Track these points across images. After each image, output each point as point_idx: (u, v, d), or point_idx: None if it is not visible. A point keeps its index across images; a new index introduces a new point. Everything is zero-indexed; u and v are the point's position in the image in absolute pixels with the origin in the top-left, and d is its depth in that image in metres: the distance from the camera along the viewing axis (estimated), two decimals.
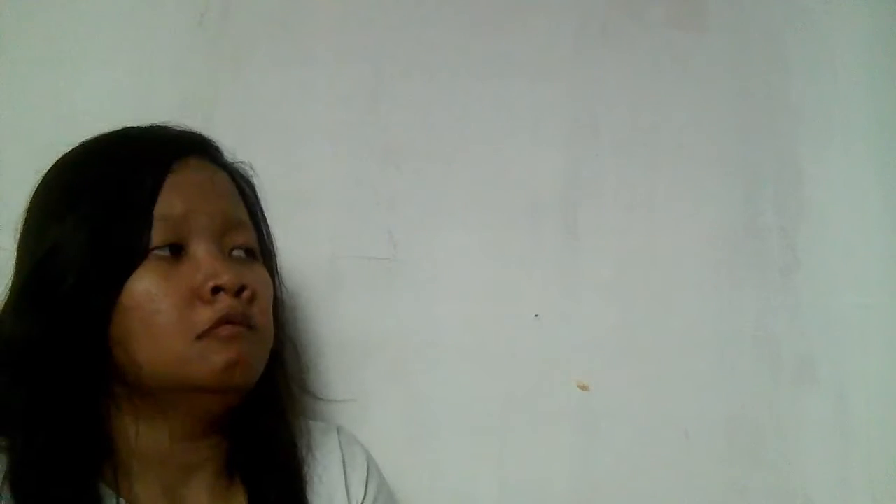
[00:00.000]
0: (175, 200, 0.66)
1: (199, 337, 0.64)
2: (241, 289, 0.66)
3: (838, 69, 1.11)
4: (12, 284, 0.68)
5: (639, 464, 0.98)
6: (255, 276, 0.69)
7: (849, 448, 1.01)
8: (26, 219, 0.70)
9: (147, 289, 0.64)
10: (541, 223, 1.02)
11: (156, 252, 0.65)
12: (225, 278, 0.65)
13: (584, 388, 0.99)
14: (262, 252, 0.74)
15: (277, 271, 0.78)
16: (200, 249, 0.66)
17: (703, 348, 1.02)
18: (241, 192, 0.74)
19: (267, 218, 0.78)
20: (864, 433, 1.02)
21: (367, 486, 0.77)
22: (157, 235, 0.65)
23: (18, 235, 0.70)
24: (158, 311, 0.63)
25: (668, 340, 1.01)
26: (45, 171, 0.71)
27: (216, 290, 0.65)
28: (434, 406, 0.96)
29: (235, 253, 0.69)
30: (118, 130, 0.71)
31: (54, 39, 0.97)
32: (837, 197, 1.08)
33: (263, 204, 0.78)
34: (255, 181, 0.78)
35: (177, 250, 0.66)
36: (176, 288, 0.64)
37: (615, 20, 1.09)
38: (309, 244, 0.96)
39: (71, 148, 0.71)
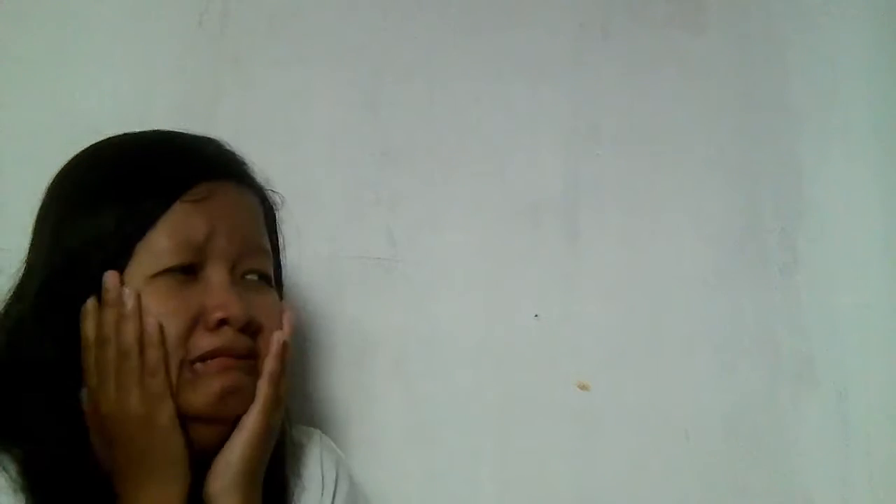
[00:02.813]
0: (199, 223, 0.65)
1: (193, 363, 0.64)
2: (248, 324, 0.66)
3: (838, 69, 1.11)
4: (24, 289, 0.67)
5: (639, 464, 0.98)
6: (266, 304, 0.68)
7: (849, 448, 1.01)
8: (46, 213, 0.69)
9: (155, 307, 0.63)
10: (541, 223, 1.03)
11: (169, 271, 0.64)
12: (233, 312, 0.64)
13: (584, 388, 0.99)
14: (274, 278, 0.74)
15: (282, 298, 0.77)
16: (215, 274, 0.66)
17: (703, 348, 1.02)
18: (266, 218, 0.74)
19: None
20: (864, 433, 1.02)
21: (333, 496, 0.76)
22: (175, 256, 0.64)
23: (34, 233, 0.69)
24: (156, 331, 0.63)
25: (668, 340, 1.02)
26: (72, 162, 0.70)
27: (222, 322, 0.65)
28: (434, 406, 0.96)
29: (249, 277, 0.68)
30: (162, 135, 0.71)
31: (54, 39, 0.97)
32: (837, 197, 1.08)
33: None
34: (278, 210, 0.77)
35: (191, 270, 0.65)
36: (185, 308, 0.64)
37: (615, 20, 1.09)
38: (309, 244, 0.96)
39: (102, 139, 0.71)
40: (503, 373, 0.98)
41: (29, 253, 0.69)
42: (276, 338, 0.66)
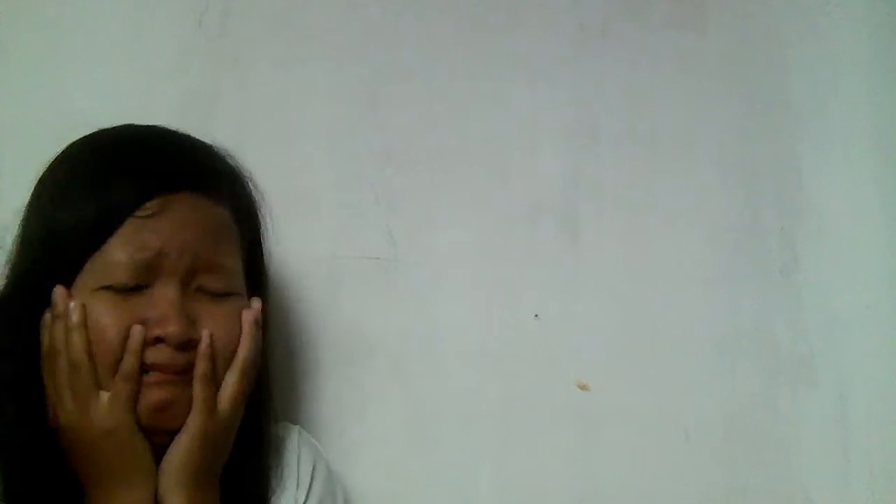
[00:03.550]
0: (149, 240, 0.65)
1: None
2: (187, 343, 0.66)
3: (838, 69, 1.11)
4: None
5: (639, 464, 0.98)
6: (219, 315, 0.68)
7: (849, 448, 1.01)
8: (23, 216, 0.70)
9: (97, 318, 0.64)
10: (541, 223, 1.02)
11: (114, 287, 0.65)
12: (169, 329, 0.65)
13: (584, 388, 0.99)
14: (254, 283, 0.73)
15: (268, 299, 0.77)
16: (161, 289, 0.66)
17: (703, 348, 1.02)
18: (239, 226, 0.72)
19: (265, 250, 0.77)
20: (864, 433, 1.02)
21: (308, 492, 0.77)
22: (124, 273, 0.65)
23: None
24: (102, 340, 0.64)
25: (668, 340, 1.01)
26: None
27: (158, 339, 0.65)
28: (434, 406, 0.96)
29: (204, 289, 0.68)
30: (123, 141, 0.71)
31: (54, 39, 0.96)
32: (837, 197, 1.08)
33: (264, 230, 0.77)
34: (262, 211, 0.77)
35: (138, 286, 0.65)
36: (127, 321, 0.64)
37: (615, 20, 1.09)
38: (309, 244, 0.96)
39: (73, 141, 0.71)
40: (503, 373, 0.98)
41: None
42: (203, 337, 0.66)
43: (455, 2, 1.06)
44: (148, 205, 0.65)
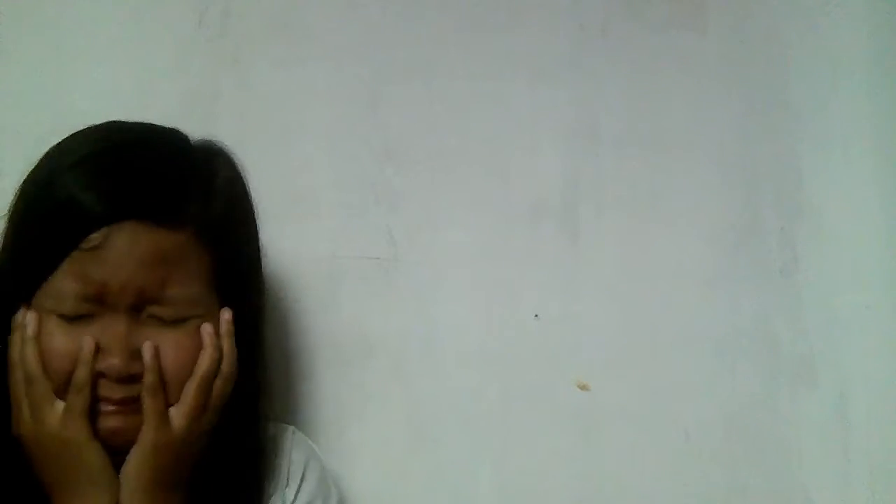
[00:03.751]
0: (93, 272, 0.64)
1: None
2: (129, 377, 0.65)
3: (838, 69, 1.11)
4: None
5: (639, 464, 0.98)
6: (170, 341, 0.67)
7: (849, 448, 1.01)
8: None
9: (48, 337, 0.65)
10: (541, 223, 1.02)
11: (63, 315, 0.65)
12: (110, 362, 0.65)
13: (584, 388, 0.99)
14: (234, 294, 0.71)
15: (263, 303, 0.77)
16: (107, 322, 0.66)
17: (703, 348, 1.02)
18: (206, 245, 0.69)
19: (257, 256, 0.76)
20: (864, 433, 1.02)
21: (298, 491, 0.77)
22: (71, 304, 0.65)
23: None
24: (55, 357, 0.65)
25: (668, 340, 1.02)
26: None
27: (100, 374, 0.65)
28: (434, 406, 0.96)
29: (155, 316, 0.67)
30: (74, 164, 0.68)
31: (54, 39, 0.97)
32: (837, 197, 1.08)
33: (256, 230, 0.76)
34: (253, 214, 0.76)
35: (84, 315, 0.66)
36: (78, 342, 0.65)
37: (615, 20, 1.09)
38: (309, 244, 0.96)
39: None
40: (503, 373, 0.98)
41: None
42: (145, 350, 0.66)
43: (455, 2, 1.06)
44: (92, 237, 0.64)
